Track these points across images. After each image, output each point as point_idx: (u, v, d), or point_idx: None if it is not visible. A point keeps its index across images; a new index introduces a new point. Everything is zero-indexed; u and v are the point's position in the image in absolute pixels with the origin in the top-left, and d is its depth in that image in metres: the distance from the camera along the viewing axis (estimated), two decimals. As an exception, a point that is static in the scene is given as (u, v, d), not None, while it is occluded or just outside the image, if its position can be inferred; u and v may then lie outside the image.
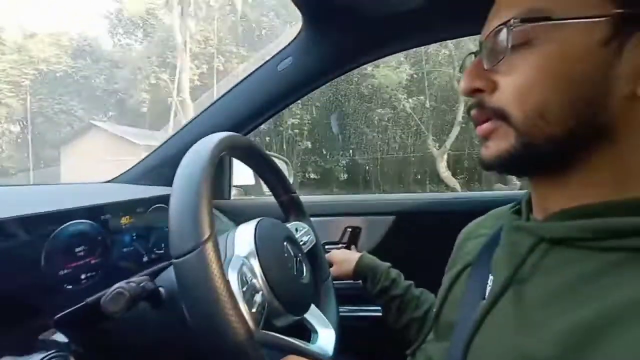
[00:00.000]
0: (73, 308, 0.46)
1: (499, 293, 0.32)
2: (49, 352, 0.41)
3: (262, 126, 0.90)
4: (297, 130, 8.31)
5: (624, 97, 0.26)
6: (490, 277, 0.37)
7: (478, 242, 0.46)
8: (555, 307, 0.27)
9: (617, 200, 0.28)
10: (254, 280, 0.39)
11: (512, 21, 0.28)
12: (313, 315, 0.52)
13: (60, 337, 0.44)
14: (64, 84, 13.38)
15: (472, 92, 0.33)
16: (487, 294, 0.35)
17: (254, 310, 0.35)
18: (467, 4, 0.60)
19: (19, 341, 0.41)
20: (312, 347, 0.45)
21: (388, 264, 0.68)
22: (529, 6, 0.28)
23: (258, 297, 0.37)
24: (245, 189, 1.14)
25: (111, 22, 15.47)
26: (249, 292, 0.36)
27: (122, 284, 0.38)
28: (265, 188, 0.86)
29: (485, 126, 0.32)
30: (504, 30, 0.29)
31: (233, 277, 0.36)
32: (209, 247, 0.30)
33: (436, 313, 0.45)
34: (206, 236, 0.31)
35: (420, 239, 0.72)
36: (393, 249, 0.87)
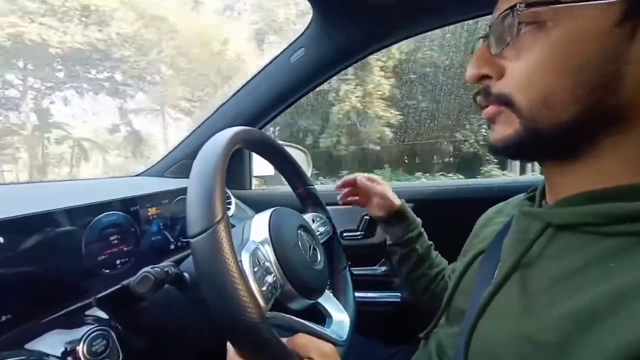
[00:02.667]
0: (110, 290, 0.52)
1: (503, 279, 0.32)
2: (92, 326, 0.46)
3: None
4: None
5: (637, 80, 0.24)
6: (500, 264, 0.37)
7: (494, 230, 0.45)
8: (558, 291, 0.27)
9: (624, 185, 0.27)
10: (267, 264, 0.41)
11: (518, 5, 0.27)
12: (329, 301, 0.54)
13: (102, 314, 0.50)
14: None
15: (479, 78, 0.32)
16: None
17: (264, 289, 0.37)
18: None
19: (67, 317, 0.46)
20: (326, 330, 0.47)
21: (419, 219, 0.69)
22: None
23: (270, 278, 0.39)
24: (265, 179, 1.18)
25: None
26: (260, 272, 0.38)
27: (148, 268, 0.42)
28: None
29: (489, 109, 0.31)
30: (511, 15, 0.27)
31: (245, 257, 0.38)
32: (221, 227, 0.33)
33: (448, 298, 0.45)
34: (218, 218, 0.34)
35: (440, 227, 0.71)
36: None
